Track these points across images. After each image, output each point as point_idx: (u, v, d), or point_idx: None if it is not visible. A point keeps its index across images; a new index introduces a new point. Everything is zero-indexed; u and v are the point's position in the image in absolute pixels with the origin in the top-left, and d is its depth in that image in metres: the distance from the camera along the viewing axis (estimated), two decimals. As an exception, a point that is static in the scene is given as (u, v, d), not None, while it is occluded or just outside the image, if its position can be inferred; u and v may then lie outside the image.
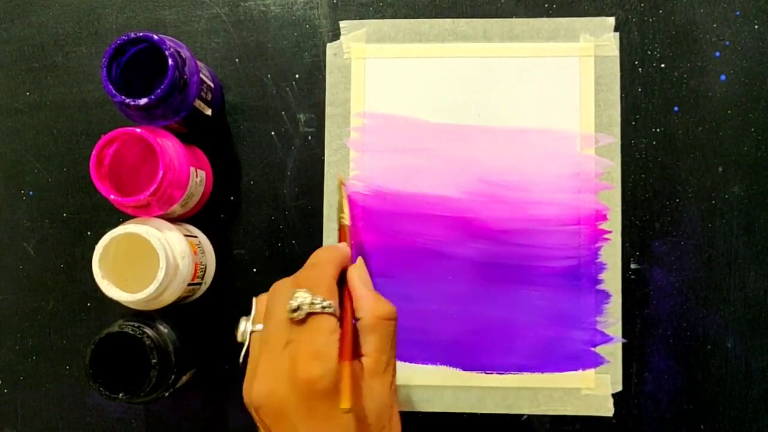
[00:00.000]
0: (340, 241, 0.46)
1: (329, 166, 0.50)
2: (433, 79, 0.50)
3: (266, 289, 0.50)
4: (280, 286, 0.39)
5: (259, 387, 0.35)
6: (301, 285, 0.37)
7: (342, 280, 0.40)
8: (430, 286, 0.50)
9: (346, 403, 0.33)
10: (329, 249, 0.41)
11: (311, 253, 0.50)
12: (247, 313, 0.40)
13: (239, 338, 0.40)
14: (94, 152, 0.43)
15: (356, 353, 0.37)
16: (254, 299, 0.41)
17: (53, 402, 0.51)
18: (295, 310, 0.36)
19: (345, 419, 0.34)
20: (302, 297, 0.36)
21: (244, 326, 0.39)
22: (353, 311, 0.38)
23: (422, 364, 0.49)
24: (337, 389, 0.34)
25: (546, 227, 0.49)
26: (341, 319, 0.37)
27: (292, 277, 0.39)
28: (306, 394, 0.34)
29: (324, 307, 0.36)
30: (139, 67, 0.44)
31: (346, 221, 0.47)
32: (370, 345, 0.37)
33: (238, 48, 0.51)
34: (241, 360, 0.39)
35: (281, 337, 0.36)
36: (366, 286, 0.39)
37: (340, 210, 0.48)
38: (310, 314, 0.36)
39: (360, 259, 0.42)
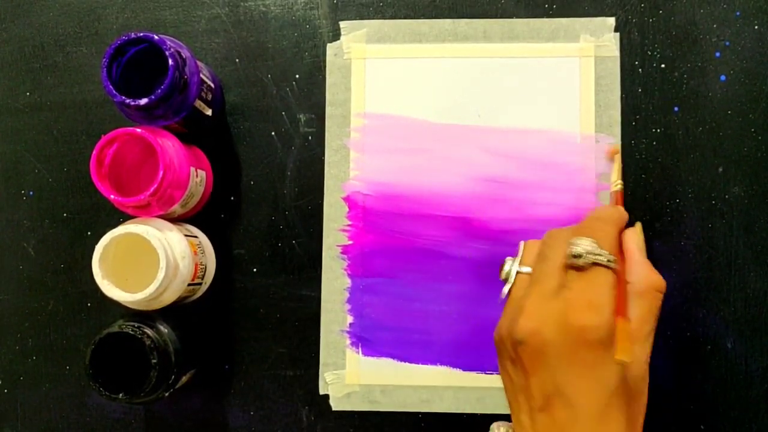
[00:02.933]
0: (618, 204, 0.45)
1: (329, 166, 0.50)
2: (433, 79, 0.50)
3: (266, 290, 0.50)
4: (558, 233, 0.39)
5: (526, 323, 0.35)
6: (585, 234, 0.37)
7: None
8: (430, 286, 0.50)
9: (623, 354, 0.33)
10: (612, 208, 0.42)
11: (311, 254, 0.50)
12: (250, 316, 0.40)
13: (503, 276, 0.40)
14: (94, 152, 0.43)
15: (624, 314, 0.36)
16: (523, 242, 0.41)
17: (53, 402, 0.51)
18: (577, 256, 0.35)
19: (606, 374, 0.34)
20: (587, 245, 0.36)
21: (510, 266, 0.39)
22: (625, 274, 0.38)
23: (422, 364, 0.49)
24: (607, 342, 0.33)
25: (546, 227, 0.49)
26: (618, 278, 0.37)
27: (571, 227, 0.39)
28: (575, 341, 0.34)
29: (609, 261, 0.35)
30: (139, 67, 0.44)
31: (620, 187, 0.47)
32: (637, 310, 0.37)
33: (238, 48, 0.51)
34: (503, 296, 0.39)
35: (555, 280, 0.36)
36: (641, 253, 0.39)
37: (617, 176, 0.48)
38: (593, 264, 0.36)
39: (639, 224, 0.41)
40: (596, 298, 0.34)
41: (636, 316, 0.37)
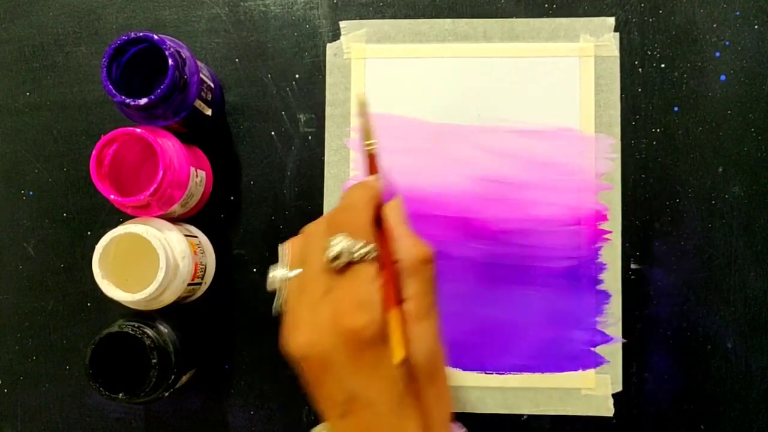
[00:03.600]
0: (369, 173, 0.41)
1: (329, 166, 0.50)
2: (433, 79, 0.50)
3: (266, 289, 0.50)
4: (314, 230, 0.37)
5: (301, 337, 0.34)
6: (337, 229, 0.35)
7: (378, 219, 0.37)
8: (430, 286, 0.49)
9: (399, 353, 0.32)
10: (362, 187, 0.38)
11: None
12: (249, 316, 0.39)
13: (269, 286, 0.37)
14: (94, 152, 0.43)
15: (397, 298, 0.35)
16: (284, 245, 0.38)
17: (53, 402, 0.51)
18: (334, 259, 0.34)
19: (393, 368, 0.33)
20: (341, 244, 0.34)
21: (276, 273, 0.37)
22: (391, 253, 0.36)
23: (422, 364, 0.49)
24: (384, 337, 0.33)
25: (546, 227, 0.49)
26: (381, 263, 0.35)
27: (325, 218, 0.37)
28: (352, 344, 0.33)
29: (366, 254, 0.34)
30: (139, 67, 0.44)
31: (374, 149, 0.41)
32: (411, 289, 0.35)
33: (238, 48, 0.51)
34: (274, 309, 0.37)
35: (320, 285, 0.34)
36: (403, 226, 0.37)
37: (367, 137, 0.40)
38: (350, 263, 0.34)
39: (397, 198, 0.39)
40: (363, 296, 0.33)
41: (412, 293, 0.35)
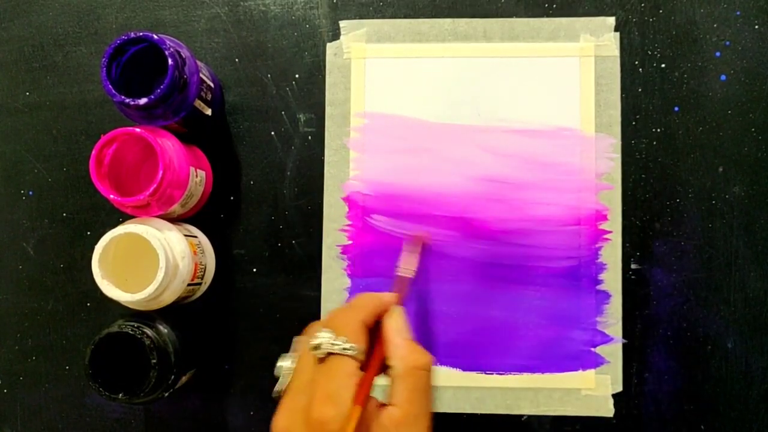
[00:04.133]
0: (394, 290, 0.44)
1: (329, 166, 0.50)
2: (433, 79, 0.50)
3: (266, 290, 0.50)
4: (313, 325, 0.39)
5: (278, 422, 0.36)
6: (328, 325, 0.37)
7: (379, 328, 0.39)
8: (430, 286, 0.50)
9: None
10: (368, 295, 0.41)
11: (311, 254, 0.50)
12: (249, 316, 0.40)
13: (275, 373, 0.40)
14: (93, 152, 0.43)
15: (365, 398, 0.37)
16: (295, 338, 0.41)
17: (53, 402, 0.51)
18: (315, 348, 0.36)
19: None
20: (324, 336, 0.36)
21: (283, 363, 0.40)
22: (382, 358, 0.38)
23: (422, 364, 0.49)
24: None
25: (546, 227, 0.49)
26: (367, 365, 0.37)
27: (324, 319, 0.40)
28: None
29: (345, 349, 0.36)
30: (139, 67, 0.44)
31: (410, 274, 0.46)
32: (399, 395, 0.36)
33: (238, 48, 0.51)
34: (273, 394, 0.39)
35: (305, 375, 0.36)
36: (400, 335, 0.39)
37: (409, 263, 0.46)
38: (329, 354, 0.36)
39: (398, 308, 0.41)
40: (334, 389, 0.35)
41: (400, 400, 0.36)
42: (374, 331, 0.39)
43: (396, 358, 0.37)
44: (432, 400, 0.37)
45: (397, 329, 0.39)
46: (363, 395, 0.35)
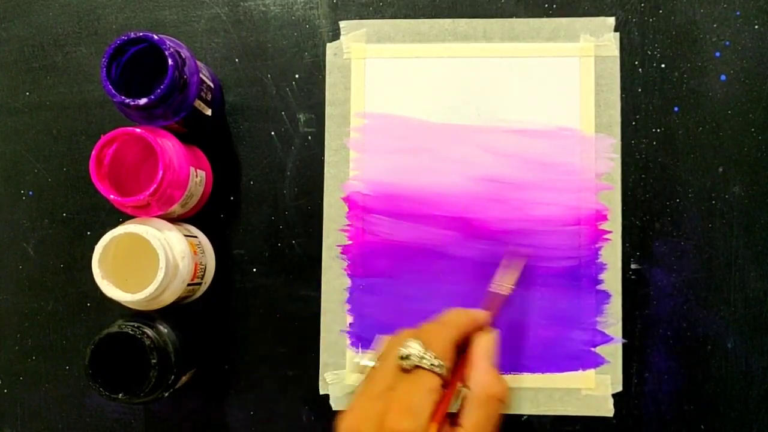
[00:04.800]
0: (486, 308, 0.44)
1: (329, 166, 0.50)
2: (433, 79, 0.50)
3: (266, 290, 0.50)
4: (403, 333, 0.39)
5: (348, 422, 0.36)
6: (419, 337, 0.37)
7: (467, 345, 0.40)
8: (430, 286, 0.50)
9: None
10: (461, 312, 0.41)
11: (311, 254, 0.50)
12: (249, 316, 0.40)
13: (356, 370, 0.41)
14: (93, 152, 0.43)
15: (456, 422, 0.37)
16: (378, 336, 0.42)
17: (53, 402, 0.51)
18: (404, 358, 0.36)
19: None
20: (414, 348, 0.36)
21: (361, 360, 0.40)
22: (464, 379, 0.38)
23: (422, 364, 0.49)
24: None
25: (546, 227, 0.49)
26: (449, 383, 0.37)
27: (417, 327, 0.40)
28: None
29: (432, 365, 0.36)
30: (139, 67, 0.44)
31: (506, 291, 0.46)
32: (470, 419, 0.36)
33: (238, 48, 0.51)
34: (352, 391, 0.40)
35: (385, 381, 0.36)
36: (486, 359, 0.39)
37: (506, 280, 0.46)
38: (417, 367, 0.36)
39: (491, 333, 0.41)
40: (415, 402, 0.35)
41: (471, 423, 0.36)
42: (461, 348, 0.39)
43: (476, 382, 0.37)
44: (498, 429, 0.37)
45: (485, 353, 0.39)
46: (441, 414, 0.36)
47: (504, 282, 0.46)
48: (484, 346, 0.39)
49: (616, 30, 0.50)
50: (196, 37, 0.52)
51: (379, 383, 0.37)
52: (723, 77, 0.50)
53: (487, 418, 0.37)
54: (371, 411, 0.35)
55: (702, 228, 0.49)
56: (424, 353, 0.36)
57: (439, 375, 0.36)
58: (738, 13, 0.50)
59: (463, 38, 0.50)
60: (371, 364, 0.39)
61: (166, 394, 0.45)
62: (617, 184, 0.49)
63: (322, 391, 0.49)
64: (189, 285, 0.46)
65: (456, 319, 0.40)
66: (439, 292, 0.49)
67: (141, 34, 0.42)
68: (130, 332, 0.43)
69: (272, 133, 0.51)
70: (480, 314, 0.42)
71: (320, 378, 0.49)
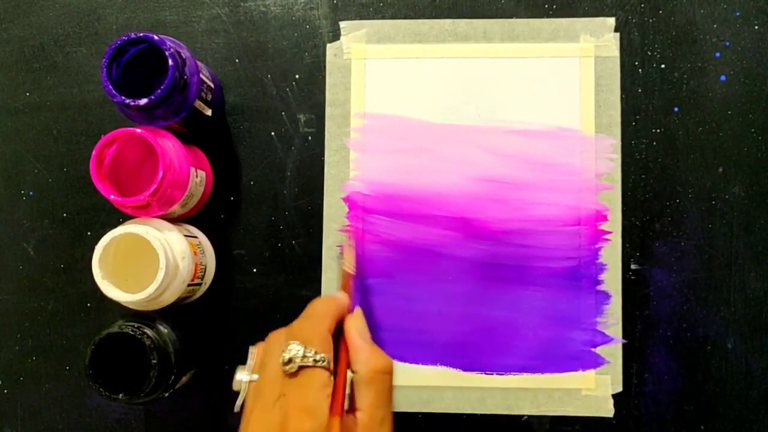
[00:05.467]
0: (342, 288, 0.45)
1: (329, 166, 0.50)
2: (433, 79, 0.50)
3: (266, 290, 0.50)
4: (275, 336, 0.39)
5: None
6: (295, 337, 0.37)
7: (339, 331, 0.39)
8: (430, 286, 0.50)
9: None
10: (326, 300, 0.41)
11: (311, 254, 0.50)
12: (249, 316, 0.40)
13: (234, 387, 0.39)
14: (94, 152, 0.43)
15: (352, 407, 0.37)
16: (251, 348, 0.40)
17: (53, 402, 0.51)
18: (287, 363, 0.36)
19: None
20: (295, 349, 0.36)
21: (240, 376, 0.39)
22: (349, 363, 0.38)
23: (422, 364, 0.49)
24: None
25: (546, 228, 0.49)
26: (335, 372, 0.37)
27: (287, 327, 0.39)
28: None
29: (316, 361, 0.36)
30: (139, 67, 0.44)
31: (351, 270, 0.46)
32: (365, 399, 0.37)
33: (238, 48, 0.51)
34: (236, 409, 0.39)
35: (274, 390, 0.36)
36: (363, 338, 0.39)
37: (347, 260, 0.47)
38: (302, 367, 0.36)
39: (358, 310, 0.42)
40: (310, 402, 0.35)
41: (366, 404, 0.36)
42: (336, 336, 0.39)
43: (359, 363, 0.38)
44: (392, 403, 0.38)
45: (359, 333, 0.39)
46: (339, 405, 0.35)
47: (348, 261, 0.46)
48: (357, 327, 0.40)
49: (616, 30, 0.50)
50: (197, 37, 0.52)
51: (267, 394, 0.36)
52: (723, 77, 0.50)
53: (380, 393, 0.37)
54: (270, 423, 0.35)
55: (702, 228, 0.49)
56: (306, 352, 0.36)
57: (325, 368, 0.36)
58: (738, 13, 0.50)
59: (464, 39, 0.50)
60: (253, 377, 0.38)
61: (166, 394, 0.45)
62: (617, 185, 0.49)
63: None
64: (189, 285, 0.46)
65: (325, 308, 0.40)
66: (439, 293, 0.49)
67: (141, 34, 0.42)
68: (130, 332, 0.43)
69: (272, 133, 0.51)
70: (342, 298, 0.42)
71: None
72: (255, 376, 0.38)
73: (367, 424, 0.36)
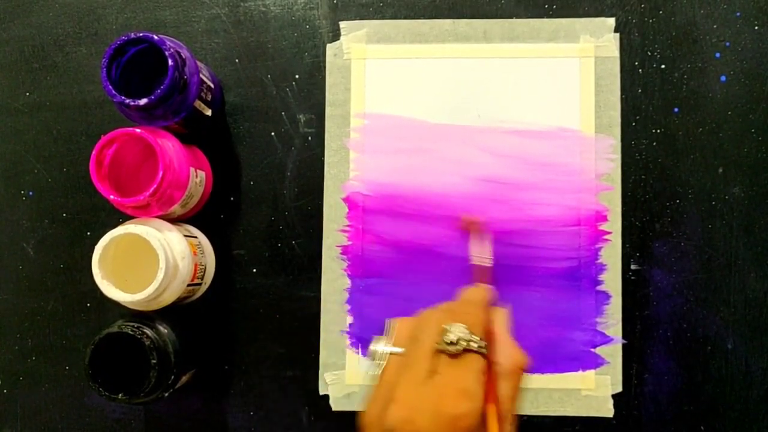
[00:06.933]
0: (477, 281, 0.45)
1: (329, 166, 0.50)
2: (433, 79, 0.50)
3: (266, 290, 0.50)
4: (431, 315, 0.39)
5: (398, 412, 0.35)
6: (458, 319, 0.37)
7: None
8: (430, 286, 0.50)
9: None
10: (481, 290, 0.42)
11: (311, 255, 0.50)
12: (249, 316, 0.40)
13: (373, 357, 0.39)
14: (93, 152, 0.43)
15: (495, 395, 0.37)
16: (393, 320, 0.40)
17: (53, 402, 0.51)
18: (451, 343, 0.36)
19: None
20: (461, 332, 0.36)
21: (379, 345, 0.39)
22: (494, 355, 0.38)
23: (422, 364, 0.49)
24: (478, 428, 0.34)
25: (546, 228, 0.49)
26: (488, 362, 0.37)
27: (442, 308, 0.39)
28: (448, 429, 0.34)
29: (480, 347, 0.36)
30: (139, 67, 0.44)
31: (489, 263, 0.47)
32: (504, 390, 0.37)
33: (238, 48, 0.51)
34: (370, 378, 0.38)
35: (426, 366, 0.36)
36: (508, 333, 0.40)
37: (485, 251, 0.47)
38: (465, 350, 0.36)
39: (504, 307, 0.42)
40: (468, 385, 0.35)
41: (504, 395, 0.37)
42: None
43: (504, 356, 0.38)
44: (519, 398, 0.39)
45: (506, 327, 0.40)
46: (494, 393, 0.36)
47: (484, 253, 0.47)
48: (503, 321, 0.40)
49: (616, 31, 0.50)
50: (196, 37, 0.52)
51: (417, 369, 0.36)
52: (723, 78, 0.50)
53: (515, 387, 0.38)
54: (422, 398, 0.35)
55: (702, 229, 0.49)
56: (470, 336, 0.36)
57: (484, 356, 0.36)
58: (738, 13, 0.50)
59: (464, 39, 0.50)
60: (398, 350, 0.38)
61: (166, 394, 0.45)
62: (617, 185, 0.49)
63: (321, 392, 0.49)
64: (189, 285, 0.46)
65: (481, 297, 0.41)
66: (439, 293, 0.49)
67: (141, 34, 0.42)
68: (130, 332, 0.43)
69: (272, 133, 0.51)
70: (486, 288, 0.43)
71: (320, 378, 0.50)
72: (399, 350, 0.38)
73: (504, 415, 0.37)
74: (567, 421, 0.49)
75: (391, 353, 0.38)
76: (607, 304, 0.49)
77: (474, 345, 0.36)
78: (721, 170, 0.49)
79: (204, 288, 0.50)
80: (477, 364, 0.36)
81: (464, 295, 0.41)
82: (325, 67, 0.51)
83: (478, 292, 0.42)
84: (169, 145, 0.45)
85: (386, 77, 0.51)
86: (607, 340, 0.49)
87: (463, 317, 0.37)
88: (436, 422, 0.34)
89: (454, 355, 0.36)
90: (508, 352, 0.38)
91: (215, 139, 0.51)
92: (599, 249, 0.49)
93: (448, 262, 0.50)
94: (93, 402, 0.51)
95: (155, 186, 0.43)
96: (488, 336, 0.39)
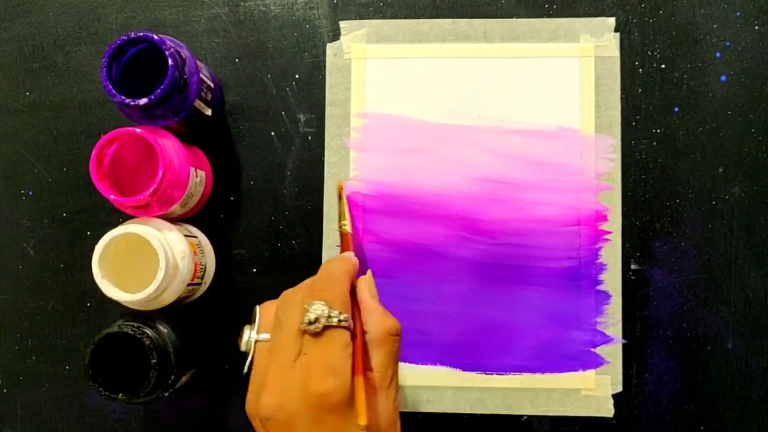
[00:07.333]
0: (343, 249, 0.45)
1: (329, 166, 0.50)
2: (433, 79, 0.50)
3: (266, 290, 0.50)
4: (291, 295, 0.38)
5: (269, 399, 0.35)
6: (316, 297, 0.37)
7: (351, 292, 0.40)
8: (430, 286, 0.50)
9: (363, 419, 0.33)
10: (341, 260, 0.41)
11: (311, 254, 0.50)
12: (249, 316, 0.40)
13: (243, 347, 0.39)
14: (93, 152, 0.43)
15: (364, 366, 0.37)
16: (258, 307, 0.40)
17: (53, 402, 0.51)
18: (311, 323, 0.35)
19: None
20: (320, 309, 0.36)
21: (248, 335, 0.39)
22: (362, 324, 0.38)
23: (422, 364, 0.49)
24: (349, 404, 0.34)
25: (546, 228, 0.49)
26: (353, 333, 0.37)
27: (302, 287, 0.39)
28: (318, 408, 0.34)
29: (340, 321, 0.36)
30: (139, 67, 0.44)
31: (348, 228, 0.47)
32: (377, 359, 0.37)
33: (238, 48, 0.51)
34: (245, 370, 0.38)
35: (293, 349, 0.36)
36: (374, 300, 0.39)
37: (342, 217, 0.48)
38: (326, 327, 0.35)
39: (369, 272, 0.42)
40: (333, 362, 0.35)
41: (377, 363, 0.37)
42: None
43: (372, 324, 0.38)
44: (398, 363, 0.39)
45: (372, 294, 0.40)
46: (361, 365, 0.36)
47: (345, 220, 0.47)
48: (368, 288, 0.40)
49: (616, 30, 0.50)
50: (196, 37, 0.52)
51: (285, 353, 0.36)
52: (723, 78, 0.50)
53: (389, 353, 0.37)
54: (291, 382, 0.35)
55: (702, 228, 0.49)
56: (330, 312, 0.36)
57: (347, 329, 0.36)
58: (738, 13, 0.50)
59: (464, 38, 0.50)
60: (264, 337, 0.38)
61: (166, 394, 0.45)
62: (617, 185, 0.49)
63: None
64: (189, 285, 0.46)
65: (342, 269, 0.39)
66: (439, 293, 0.49)
67: (141, 34, 0.42)
68: (130, 332, 0.43)
69: (272, 133, 0.51)
70: (349, 255, 0.42)
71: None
72: (265, 336, 0.38)
73: (380, 383, 0.37)
74: (567, 421, 0.49)
75: (257, 341, 0.38)
76: (607, 303, 0.49)
77: (334, 320, 0.35)
78: (721, 170, 0.49)
79: (204, 288, 0.50)
80: (341, 339, 0.35)
81: (324, 270, 0.40)
82: (325, 66, 0.51)
83: (338, 264, 0.40)
84: (169, 145, 0.45)
85: (386, 77, 0.51)
86: (607, 339, 0.49)
87: (321, 294, 0.37)
88: (306, 403, 0.34)
89: (316, 334, 0.35)
90: (375, 319, 0.38)
91: (215, 138, 0.51)
92: (599, 249, 0.49)
93: (447, 262, 0.50)
94: (93, 402, 0.51)
95: (155, 185, 0.43)
96: (354, 306, 0.38)
